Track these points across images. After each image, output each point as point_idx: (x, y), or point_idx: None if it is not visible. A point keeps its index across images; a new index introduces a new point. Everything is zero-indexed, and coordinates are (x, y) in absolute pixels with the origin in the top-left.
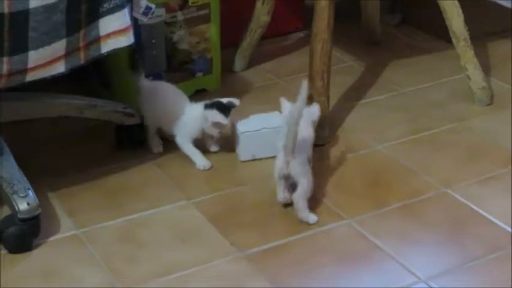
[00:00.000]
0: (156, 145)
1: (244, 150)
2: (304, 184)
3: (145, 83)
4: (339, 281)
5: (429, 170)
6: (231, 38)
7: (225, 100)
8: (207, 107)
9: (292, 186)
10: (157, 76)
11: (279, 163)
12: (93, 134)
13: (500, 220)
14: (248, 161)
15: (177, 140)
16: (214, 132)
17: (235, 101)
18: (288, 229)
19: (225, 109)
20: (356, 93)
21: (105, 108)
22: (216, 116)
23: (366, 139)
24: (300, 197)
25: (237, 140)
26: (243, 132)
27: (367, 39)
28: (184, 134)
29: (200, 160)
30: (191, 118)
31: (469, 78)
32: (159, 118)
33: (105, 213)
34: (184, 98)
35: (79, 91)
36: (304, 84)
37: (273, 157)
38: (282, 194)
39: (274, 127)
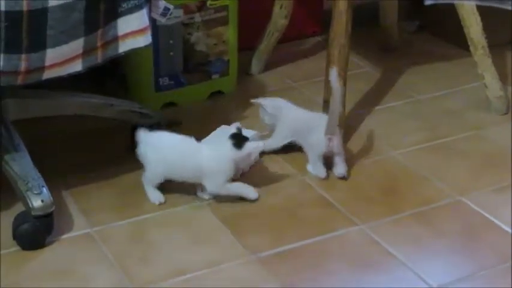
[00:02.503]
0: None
1: None
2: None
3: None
4: (351, 286)
5: (444, 178)
6: (248, 41)
7: (236, 129)
8: (238, 145)
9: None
10: (173, 77)
11: (322, 142)
12: (109, 133)
13: None
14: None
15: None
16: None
17: (238, 124)
18: (301, 233)
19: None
20: (372, 99)
21: (121, 107)
22: (255, 146)
23: (381, 145)
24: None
25: None
26: None
27: (385, 45)
28: (217, 180)
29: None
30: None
31: (486, 86)
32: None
33: (119, 213)
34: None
35: (95, 90)
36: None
37: None
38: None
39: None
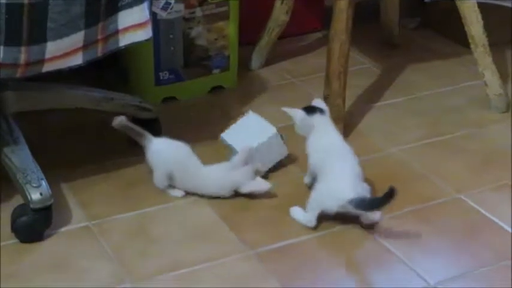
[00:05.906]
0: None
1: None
2: None
3: None
4: (349, 283)
5: (443, 175)
6: (249, 36)
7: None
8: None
9: None
10: (174, 72)
11: None
12: (108, 126)
13: None
14: None
15: None
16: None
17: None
18: (300, 229)
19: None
20: (372, 95)
21: (122, 101)
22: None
23: (380, 142)
24: None
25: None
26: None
27: (386, 42)
28: None
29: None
30: None
31: (486, 84)
32: None
33: (118, 207)
34: None
35: (96, 84)
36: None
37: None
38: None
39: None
